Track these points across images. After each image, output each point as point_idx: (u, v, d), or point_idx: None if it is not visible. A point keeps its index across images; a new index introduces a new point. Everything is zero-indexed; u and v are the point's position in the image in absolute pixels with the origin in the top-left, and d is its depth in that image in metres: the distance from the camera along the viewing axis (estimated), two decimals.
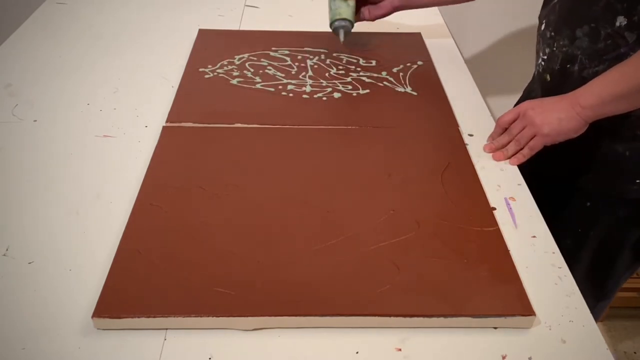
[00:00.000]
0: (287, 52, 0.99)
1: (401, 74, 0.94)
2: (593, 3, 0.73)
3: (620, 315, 1.47)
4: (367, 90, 0.89)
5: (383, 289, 0.56)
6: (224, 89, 0.88)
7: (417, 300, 0.55)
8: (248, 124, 0.80)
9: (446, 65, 0.99)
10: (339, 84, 0.90)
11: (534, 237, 0.64)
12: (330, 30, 0.95)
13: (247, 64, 0.95)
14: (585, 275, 0.87)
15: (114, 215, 0.65)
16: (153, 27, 1.10)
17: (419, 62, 0.98)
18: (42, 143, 0.77)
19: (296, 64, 0.96)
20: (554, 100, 0.72)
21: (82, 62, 0.96)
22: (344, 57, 0.98)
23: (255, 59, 0.97)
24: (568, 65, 0.78)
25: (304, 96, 0.87)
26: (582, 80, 0.73)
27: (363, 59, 0.98)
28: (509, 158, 0.75)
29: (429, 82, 0.93)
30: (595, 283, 0.89)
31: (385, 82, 0.92)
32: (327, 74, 0.93)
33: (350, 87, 0.90)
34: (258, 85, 0.89)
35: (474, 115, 0.86)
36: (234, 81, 0.90)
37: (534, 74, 0.90)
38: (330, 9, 0.94)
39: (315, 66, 0.95)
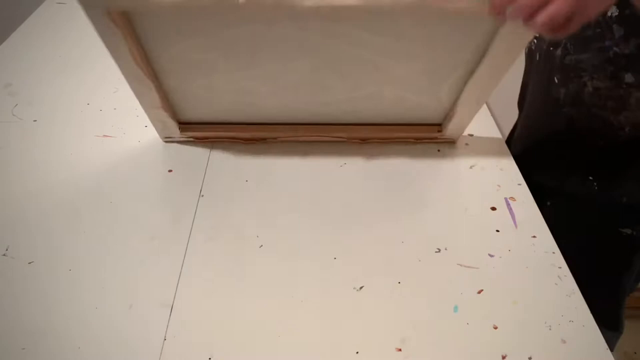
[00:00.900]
0: None
1: None
2: None
3: None
4: None
5: None
6: None
7: None
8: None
9: None
10: None
11: (534, 237, 0.64)
12: None
13: None
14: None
15: (114, 215, 0.65)
16: None
17: None
18: (42, 143, 0.77)
19: None
20: None
21: (82, 62, 0.96)
22: None
23: None
24: (551, 48, 0.77)
25: None
26: (564, 68, 0.72)
27: None
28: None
29: None
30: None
31: None
32: None
33: None
34: None
35: None
36: None
37: (525, 51, 0.85)
38: None
39: None
